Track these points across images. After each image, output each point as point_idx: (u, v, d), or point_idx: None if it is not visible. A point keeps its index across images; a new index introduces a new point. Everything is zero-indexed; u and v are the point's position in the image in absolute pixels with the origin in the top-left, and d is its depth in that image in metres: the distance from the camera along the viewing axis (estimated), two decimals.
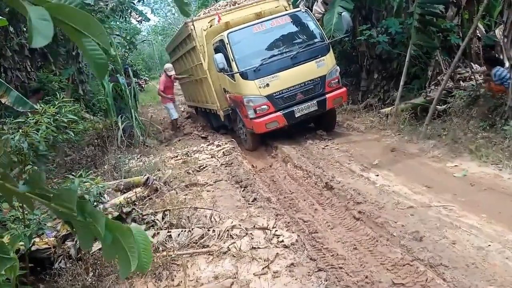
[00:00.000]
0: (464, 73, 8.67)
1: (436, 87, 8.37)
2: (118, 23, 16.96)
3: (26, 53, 9.56)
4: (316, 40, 8.29)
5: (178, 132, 11.54)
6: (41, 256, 3.86)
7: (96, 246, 3.88)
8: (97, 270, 3.63)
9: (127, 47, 16.93)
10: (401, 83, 8.60)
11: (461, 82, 8.43)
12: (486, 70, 7.83)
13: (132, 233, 1.24)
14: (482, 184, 4.91)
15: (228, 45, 7.99)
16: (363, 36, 9.83)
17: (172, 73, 11.61)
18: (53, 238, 3.80)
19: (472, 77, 8.11)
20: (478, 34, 8.94)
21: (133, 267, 1.22)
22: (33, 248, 3.77)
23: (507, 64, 7.15)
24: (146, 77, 28.63)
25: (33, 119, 3.46)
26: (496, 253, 3.44)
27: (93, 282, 3.51)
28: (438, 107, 7.63)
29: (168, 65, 11.97)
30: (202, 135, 10.97)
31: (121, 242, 1.21)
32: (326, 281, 3.28)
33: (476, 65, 8.39)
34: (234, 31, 8.17)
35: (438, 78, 8.65)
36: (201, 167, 7.31)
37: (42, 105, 3.69)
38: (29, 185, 1.27)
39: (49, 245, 3.86)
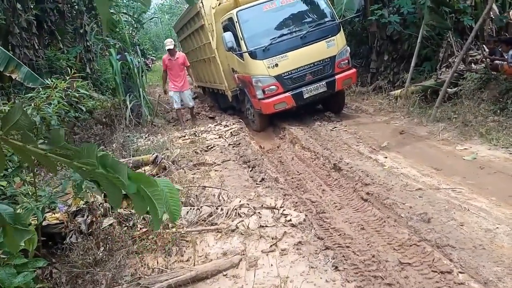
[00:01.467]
0: (476, 55, 8.53)
1: (447, 70, 8.25)
2: (125, 1, 16.82)
3: (34, 30, 9.54)
4: (326, 20, 8.16)
5: (181, 124, 9.62)
6: (52, 231, 3.92)
7: (107, 221, 3.94)
8: (108, 245, 3.68)
9: (134, 26, 16.81)
10: (412, 64, 8.49)
11: (472, 65, 8.30)
12: (490, 50, 7.72)
13: (156, 182, 1.24)
14: (491, 168, 4.88)
15: (237, 23, 7.90)
16: (374, 16, 9.66)
17: (170, 46, 9.16)
18: (64, 213, 3.85)
19: (484, 59, 7.98)
20: (492, 16, 8.75)
21: (161, 215, 1.22)
22: (44, 223, 3.83)
23: None
24: (153, 56, 28.51)
25: (45, 94, 3.47)
26: (504, 235, 3.44)
27: (104, 257, 3.57)
28: (449, 89, 7.54)
29: (167, 40, 9.61)
30: (210, 116, 10.98)
31: (147, 193, 1.21)
32: (333, 259, 3.31)
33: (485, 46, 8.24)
34: (244, 9, 8.05)
35: (450, 60, 8.52)
36: (209, 147, 7.32)
37: (53, 80, 3.69)
38: (50, 144, 1.25)
39: (60, 220, 3.92)
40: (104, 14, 1.41)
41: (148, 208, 1.24)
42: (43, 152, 1.27)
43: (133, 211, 4.18)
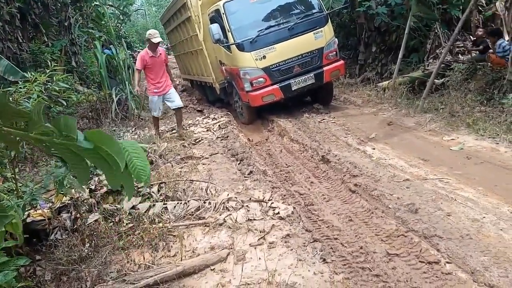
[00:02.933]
0: (463, 46, 8.56)
1: (435, 61, 8.28)
2: None
3: (17, 23, 9.31)
4: (314, 11, 8.10)
5: (157, 133, 7.66)
6: (36, 228, 3.84)
7: (93, 217, 3.88)
8: (93, 241, 3.63)
9: (120, 18, 16.56)
10: (400, 56, 8.51)
11: (459, 56, 8.34)
12: (477, 40, 7.76)
13: (115, 140, 1.15)
14: (478, 158, 4.91)
15: (224, 15, 7.80)
16: (362, 8, 9.64)
17: (158, 39, 7.07)
18: (48, 210, 3.77)
19: (472, 49, 8.02)
20: (479, 7, 8.79)
21: (122, 167, 1.13)
22: (28, 220, 3.75)
23: (506, 37, 7.07)
24: (140, 49, 28.16)
25: (24, 87, 3.37)
26: (491, 224, 3.46)
27: (90, 253, 3.51)
28: (436, 80, 7.57)
29: (152, 31, 7.20)
30: (198, 109, 10.89)
31: (106, 150, 1.13)
32: (321, 251, 3.30)
33: (474, 38, 8.27)
34: (231, 0, 7.95)
35: (437, 51, 8.54)
36: (197, 140, 7.26)
37: (33, 74, 3.59)
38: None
39: (44, 217, 3.84)
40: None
41: (122, 170, 1.16)
42: None
43: (118, 206, 4.12)
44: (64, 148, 1.13)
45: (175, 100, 7.45)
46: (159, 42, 7.10)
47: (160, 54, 7.22)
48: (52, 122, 1.11)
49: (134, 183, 1.25)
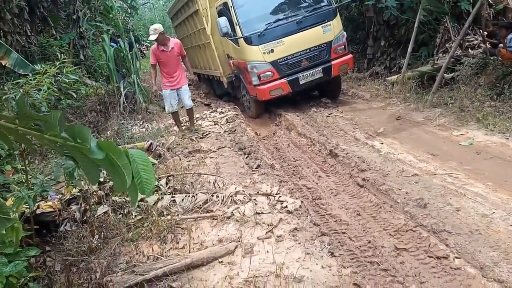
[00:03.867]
0: (473, 40, 8.46)
1: (444, 55, 8.19)
2: None
3: (26, 16, 9.36)
4: (322, 4, 8.04)
5: (179, 128, 7.57)
6: (46, 219, 3.88)
7: (101, 209, 3.91)
8: (102, 233, 3.66)
9: (128, 11, 16.55)
10: (409, 50, 8.42)
11: (469, 50, 8.24)
12: (489, 33, 7.66)
13: (124, 153, 1.20)
14: (488, 153, 4.87)
15: (232, 8, 7.77)
16: (371, 1, 9.54)
17: (152, 37, 6.75)
18: (58, 201, 3.81)
19: (482, 44, 7.92)
20: (489, 0, 8.67)
21: (128, 183, 1.19)
22: (38, 212, 3.79)
23: None
24: (148, 42, 28.13)
25: (34, 80, 3.39)
26: (501, 220, 3.43)
27: (99, 244, 3.54)
28: (446, 75, 7.49)
29: (152, 27, 6.90)
30: (205, 102, 10.90)
31: (115, 160, 1.17)
32: (329, 245, 3.29)
33: (485, 32, 8.17)
34: None
35: (447, 45, 8.45)
36: (204, 134, 7.27)
37: (43, 66, 3.61)
38: (16, 113, 1.21)
39: (54, 208, 3.88)
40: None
41: (128, 185, 1.20)
42: (13, 126, 1.23)
43: (127, 198, 4.14)
44: (77, 151, 1.17)
45: (183, 99, 7.23)
46: (156, 38, 6.72)
47: (172, 48, 6.91)
48: (67, 131, 1.15)
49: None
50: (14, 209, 2.73)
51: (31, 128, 1.26)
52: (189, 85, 11.78)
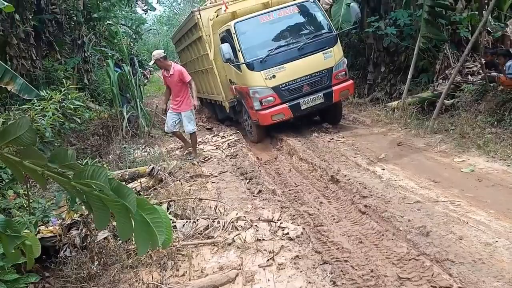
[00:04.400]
0: (473, 67, 8.56)
1: (444, 81, 8.28)
2: (123, 12, 16.91)
3: (31, 41, 9.53)
4: (323, 31, 8.19)
5: (185, 145, 7.84)
6: (46, 244, 3.85)
7: (102, 235, 3.89)
8: (102, 259, 3.62)
9: (133, 37, 16.88)
10: (409, 76, 8.53)
11: (469, 76, 8.33)
12: (488, 62, 7.75)
13: (157, 210, 1.22)
14: (490, 180, 4.86)
15: (235, 35, 7.92)
16: (371, 28, 9.73)
17: (151, 62, 7.35)
18: (58, 227, 3.79)
19: (481, 71, 8.01)
20: (488, 28, 8.83)
21: (160, 242, 1.20)
22: (38, 237, 3.77)
23: None
24: (151, 67, 28.54)
25: (39, 106, 3.43)
26: (504, 249, 3.40)
27: (98, 271, 3.51)
28: (446, 101, 7.56)
29: (153, 52, 7.48)
30: (207, 126, 10.95)
31: (145, 219, 1.19)
32: (331, 274, 3.26)
33: (483, 58, 8.29)
34: (241, 21, 8.08)
35: (446, 72, 8.55)
36: (206, 159, 7.29)
37: (48, 92, 3.66)
38: (54, 162, 1.23)
39: (54, 233, 3.86)
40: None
41: (159, 243, 1.23)
42: (40, 169, 1.25)
43: None
44: (97, 199, 1.18)
45: (183, 125, 7.38)
46: (156, 63, 7.14)
47: (173, 74, 7.12)
48: (78, 170, 1.17)
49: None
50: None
51: (58, 173, 1.27)
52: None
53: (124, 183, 5.59)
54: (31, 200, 3.66)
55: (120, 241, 3.86)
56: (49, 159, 1.23)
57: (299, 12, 8.28)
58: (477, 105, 7.11)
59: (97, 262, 3.60)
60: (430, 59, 9.20)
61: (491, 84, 7.24)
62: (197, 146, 7.91)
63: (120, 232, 1.25)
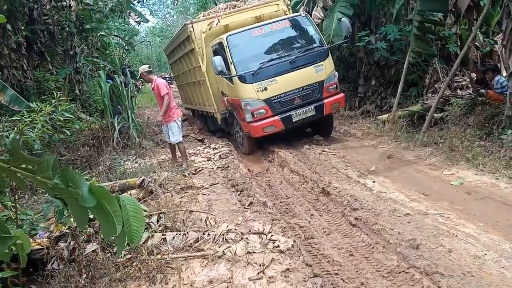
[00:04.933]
0: (462, 81, 8.70)
1: (434, 95, 8.39)
2: (116, 24, 16.96)
3: (23, 51, 9.51)
4: (315, 45, 8.29)
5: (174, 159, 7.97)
6: (33, 257, 3.80)
7: (90, 247, 3.84)
8: (90, 272, 3.57)
9: (125, 48, 16.90)
10: (399, 90, 8.62)
11: (458, 90, 8.46)
12: (479, 79, 7.88)
13: (116, 199, 1.20)
14: (478, 193, 4.91)
15: (227, 48, 7.98)
16: (361, 42, 9.86)
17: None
18: (46, 239, 3.74)
19: (470, 85, 8.15)
20: (476, 43, 8.99)
21: (118, 232, 1.18)
22: None
23: (504, 73, 7.19)
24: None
25: (28, 118, 3.41)
26: (493, 262, 3.42)
27: (86, 284, 3.46)
28: (435, 115, 7.65)
29: (141, 67, 8.07)
30: (199, 138, 10.94)
31: (107, 207, 1.17)
32: (322, 287, 3.25)
33: (474, 74, 8.42)
34: (233, 34, 8.15)
35: (436, 86, 8.67)
36: (197, 170, 7.27)
37: (38, 104, 3.64)
38: (9, 154, 1.22)
39: (42, 246, 3.80)
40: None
41: (117, 232, 1.20)
42: (6, 165, 1.24)
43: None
44: (68, 195, 1.17)
45: (166, 136, 7.84)
46: (141, 76, 7.75)
47: (153, 87, 7.54)
48: (59, 174, 1.16)
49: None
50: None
51: (24, 169, 1.28)
52: (184, 120, 11.95)
53: (114, 194, 5.57)
54: (19, 212, 3.61)
55: (109, 254, 3.82)
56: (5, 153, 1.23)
57: (291, 26, 8.38)
58: (466, 118, 7.20)
59: (85, 275, 3.55)
60: (420, 73, 9.34)
61: (480, 98, 7.35)
62: (188, 157, 7.90)
63: (77, 222, 1.24)
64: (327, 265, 3.74)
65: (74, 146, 7.99)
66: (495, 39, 9.00)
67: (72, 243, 3.93)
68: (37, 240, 3.74)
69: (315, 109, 8.08)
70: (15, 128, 3.24)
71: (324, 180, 5.95)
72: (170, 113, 7.46)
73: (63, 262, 3.74)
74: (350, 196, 5.21)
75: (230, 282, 3.36)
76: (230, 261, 3.69)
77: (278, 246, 3.94)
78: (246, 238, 4.12)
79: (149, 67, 7.87)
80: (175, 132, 7.50)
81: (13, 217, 3.32)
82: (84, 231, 3.87)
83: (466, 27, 8.55)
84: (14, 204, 3.22)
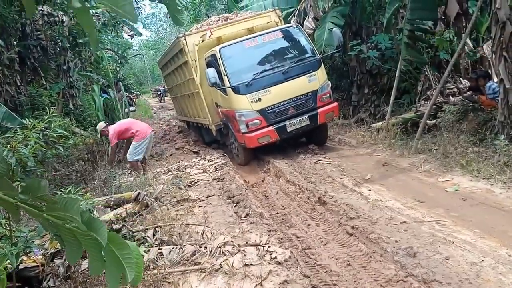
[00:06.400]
0: (453, 88, 8.78)
1: (426, 102, 8.45)
2: (110, 37, 17.00)
3: (16, 67, 9.50)
4: (307, 55, 8.35)
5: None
6: (29, 275, 3.75)
7: (86, 264, 3.80)
8: None
9: (119, 61, 16.92)
10: (392, 97, 8.69)
11: (450, 97, 8.53)
12: (473, 87, 7.96)
13: (128, 245, 1.20)
14: (474, 199, 4.93)
15: (220, 59, 8.02)
16: (353, 52, 9.96)
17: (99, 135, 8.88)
18: (41, 256, 3.70)
19: (466, 92, 8.22)
20: (467, 50, 9.10)
21: (130, 279, 1.18)
22: (20, 266, 3.67)
23: (495, 79, 7.27)
24: (137, 91, 28.59)
25: (21, 134, 3.40)
26: (490, 268, 3.43)
27: None
28: (429, 121, 7.70)
29: (98, 125, 8.77)
30: (194, 150, 10.91)
31: (116, 254, 1.17)
32: None
33: (465, 80, 8.51)
34: (226, 46, 8.20)
35: (428, 93, 8.74)
36: (193, 182, 7.25)
37: (31, 120, 3.63)
38: (27, 193, 1.21)
39: (37, 263, 3.76)
40: (91, 33, 1.40)
41: (104, 270, 1.20)
42: (14, 201, 1.23)
43: None
44: (68, 232, 1.17)
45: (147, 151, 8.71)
46: (101, 133, 8.53)
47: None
48: (50, 202, 1.16)
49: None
50: None
51: (31, 205, 1.26)
52: (178, 132, 12.09)
53: (109, 209, 5.53)
54: (13, 229, 3.58)
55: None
56: (22, 190, 1.21)
57: (283, 37, 8.44)
58: (459, 125, 7.26)
59: None
60: (412, 80, 9.42)
61: (472, 104, 7.42)
62: (184, 169, 7.92)
63: (91, 266, 1.23)
64: (325, 275, 3.72)
65: (69, 161, 7.95)
66: (481, 49, 9.10)
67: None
68: (32, 258, 3.70)
69: (309, 119, 8.11)
70: (8, 145, 3.22)
71: (320, 189, 5.96)
72: (125, 150, 8.56)
73: (59, 279, 3.70)
74: (346, 205, 5.22)
75: None
76: (227, 274, 3.66)
77: (276, 257, 3.92)
78: (243, 250, 4.10)
79: (105, 122, 8.70)
80: (132, 153, 8.28)
81: (8, 235, 3.29)
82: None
83: (456, 34, 8.65)
84: (8, 222, 3.19)
